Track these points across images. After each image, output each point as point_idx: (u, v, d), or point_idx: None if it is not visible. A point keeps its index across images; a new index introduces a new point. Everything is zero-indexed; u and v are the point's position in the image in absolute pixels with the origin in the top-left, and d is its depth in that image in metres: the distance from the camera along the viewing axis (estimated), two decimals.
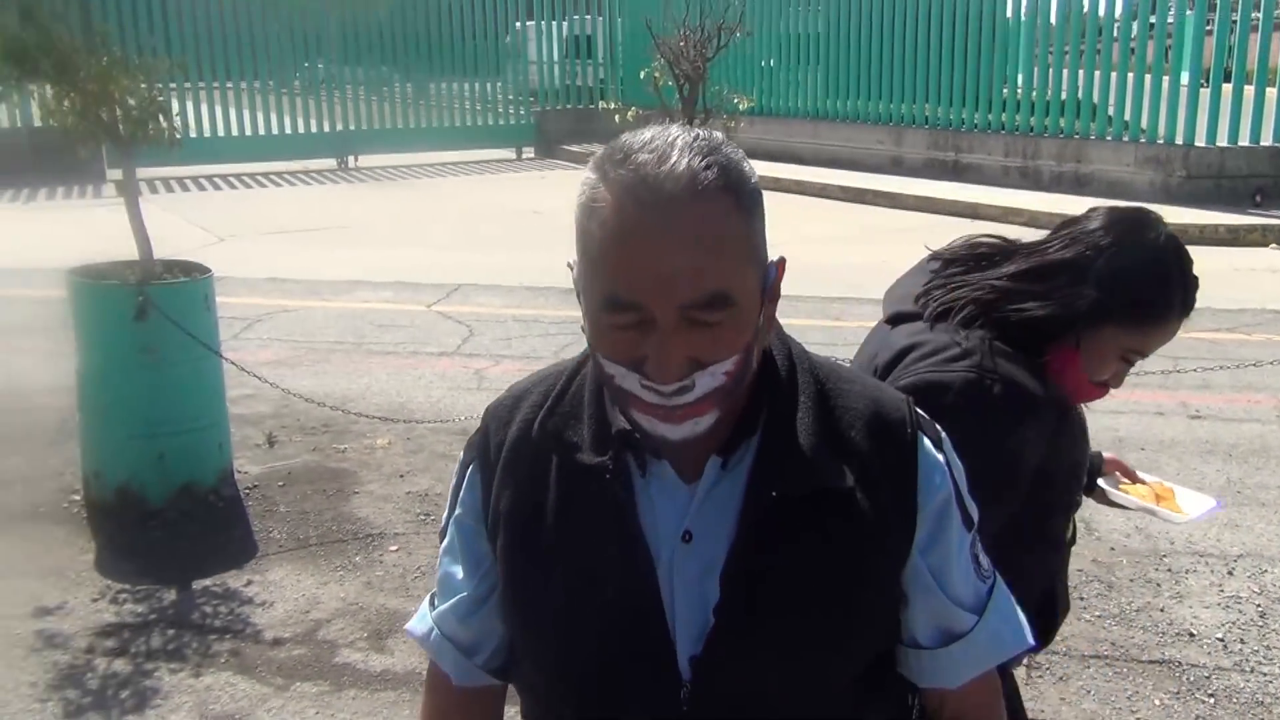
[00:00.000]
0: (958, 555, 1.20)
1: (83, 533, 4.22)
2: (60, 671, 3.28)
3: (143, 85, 4.10)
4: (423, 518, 4.34)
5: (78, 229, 10.82)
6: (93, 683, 3.23)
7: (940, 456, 1.19)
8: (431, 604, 1.31)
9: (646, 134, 1.05)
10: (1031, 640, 1.25)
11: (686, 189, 1.00)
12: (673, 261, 0.99)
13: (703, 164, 1.01)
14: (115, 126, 4.11)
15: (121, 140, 4.16)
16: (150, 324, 4.11)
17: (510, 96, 18.46)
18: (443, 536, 1.30)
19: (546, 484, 1.17)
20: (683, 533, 1.13)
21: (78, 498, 4.46)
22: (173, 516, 4.28)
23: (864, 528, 1.13)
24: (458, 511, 1.27)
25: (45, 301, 7.59)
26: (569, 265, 1.11)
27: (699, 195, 1.00)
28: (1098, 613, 3.63)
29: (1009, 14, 13.71)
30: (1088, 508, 4.39)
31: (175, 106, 4.30)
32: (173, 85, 4.36)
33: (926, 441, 1.19)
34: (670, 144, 1.02)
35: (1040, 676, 3.27)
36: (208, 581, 3.85)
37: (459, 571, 1.26)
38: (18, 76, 4.02)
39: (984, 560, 1.23)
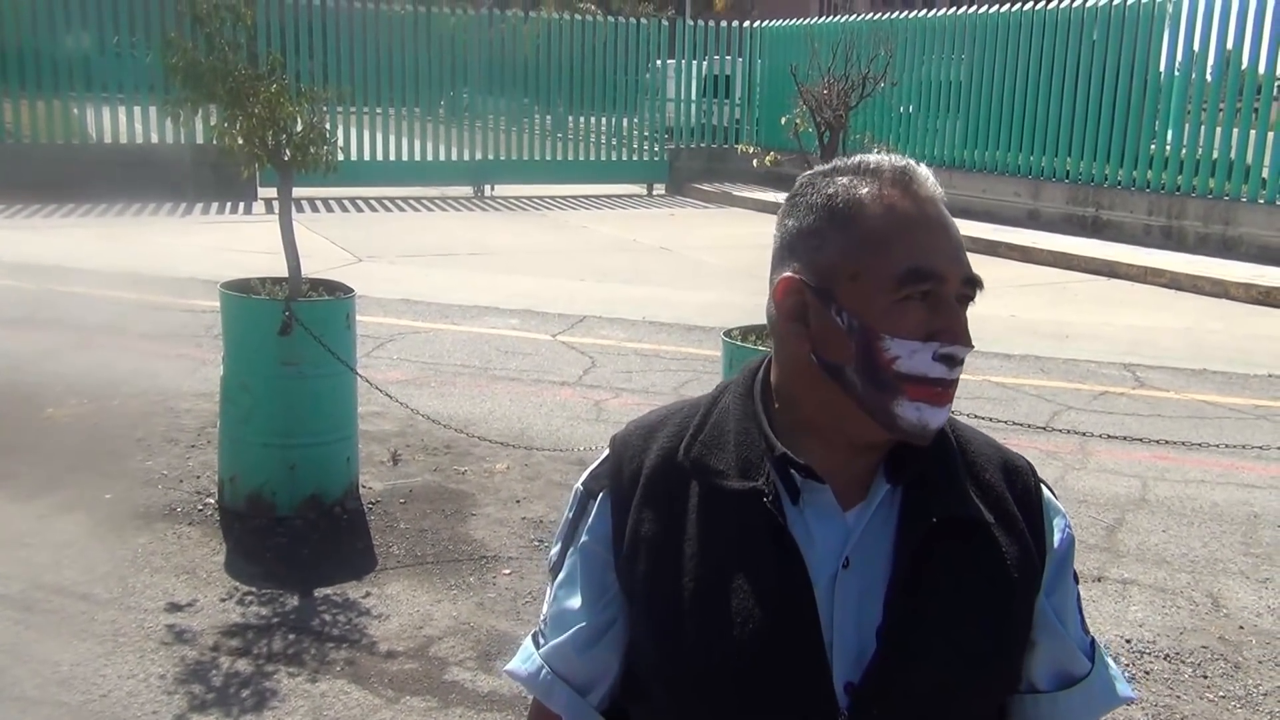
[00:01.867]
0: (1074, 602, 1.27)
1: (215, 534, 4.41)
2: (187, 666, 3.43)
3: (306, 111, 4.31)
4: (536, 543, 4.42)
5: (229, 243, 11.37)
6: (216, 680, 3.37)
7: (1059, 505, 1.28)
8: (536, 642, 1.28)
9: (870, 157, 1.21)
10: (1134, 694, 1.32)
11: (941, 192, 1.18)
12: (958, 237, 1.16)
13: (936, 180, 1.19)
14: (279, 150, 4.33)
15: (283, 164, 4.38)
16: (293, 338, 4.30)
17: (645, 133, 18.72)
18: (555, 570, 1.28)
19: (690, 511, 1.19)
20: (843, 559, 1.15)
21: (212, 500, 4.68)
22: (299, 525, 4.46)
23: (1005, 561, 1.19)
24: (583, 540, 1.25)
25: (196, 311, 8.00)
26: (792, 276, 1.17)
27: (944, 200, 1.18)
28: (1221, 693, 3.49)
29: (1162, 68, 13.33)
30: (1217, 580, 4.24)
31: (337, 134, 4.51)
32: (326, 110, 4.56)
33: (1047, 491, 1.28)
34: (911, 162, 1.20)
35: None
36: (328, 590, 3.99)
37: (577, 602, 1.24)
38: (194, 100, 4.27)
39: (1084, 616, 1.30)
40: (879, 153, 1.22)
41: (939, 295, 1.13)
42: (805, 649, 1.13)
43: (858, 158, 1.21)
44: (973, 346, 1.16)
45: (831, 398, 1.16)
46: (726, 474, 1.18)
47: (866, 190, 1.16)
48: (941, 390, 1.13)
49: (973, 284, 1.16)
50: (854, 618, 1.14)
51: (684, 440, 1.22)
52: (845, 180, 1.17)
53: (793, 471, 1.16)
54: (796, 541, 1.14)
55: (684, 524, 1.18)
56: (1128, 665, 3.63)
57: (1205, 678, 3.57)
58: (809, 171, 1.23)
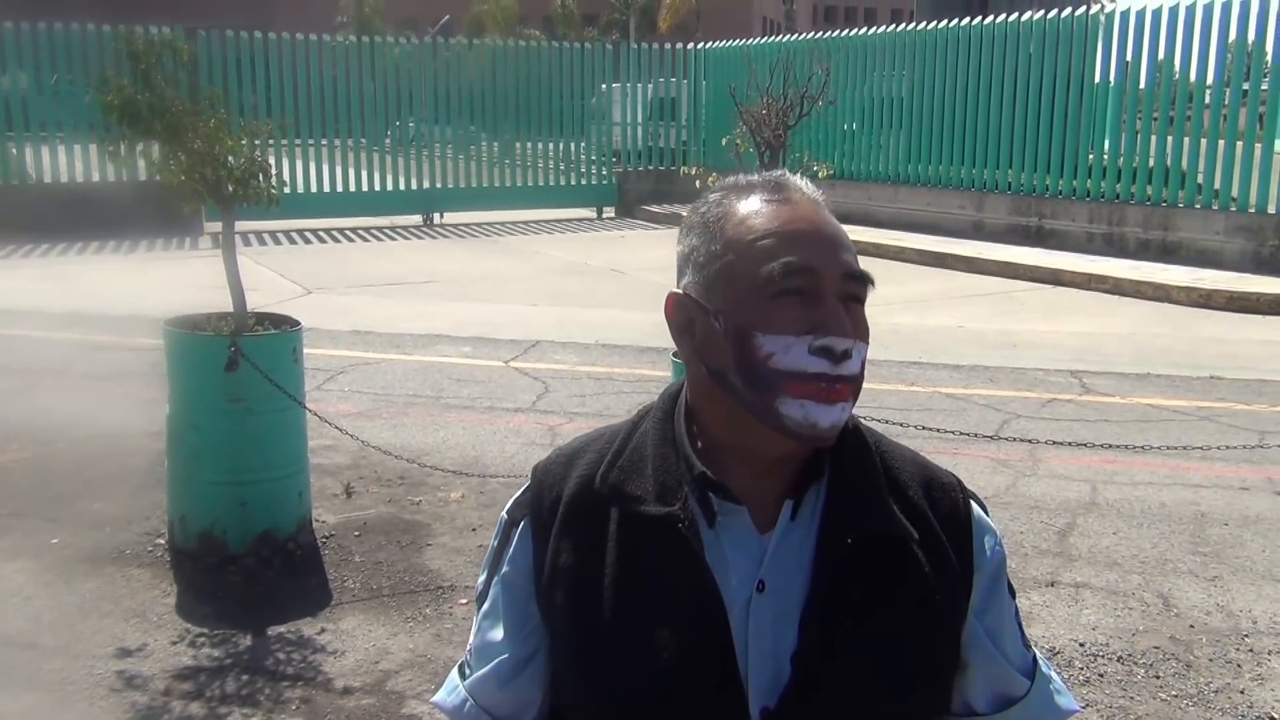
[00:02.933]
0: (1009, 620, 1.24)
1: (165, 576, 4.34)
2: (138, 712, 3.37)
3: (245, 145, 4.28)
4: None
5: (175, 279, 11.24)
6: None
7: (990, 523, 1.26)
8: (462, 673, 1.28)
9: (749, 175, 1.24)
10: (1078, 706, 1.30)
11: (819, 196, 1.20)
12: (836, 235, 1.16)
13: (816, 187, 1.21)
14: (220, 184, 4.30)
15: (224, 198, 4.34)
16: (240, 373, 4.25)
17: (593, 157, 18.78)
18: (481, 600, 1.28)
19: (608, 538, 1.18)
20: (757, 582, 1.14)
21: (162, 541, 4.60)
22: (251, 563, 4.39)
23: (929, 581, 1.16)
24: (504, 570, 1.25)
25: (141, 349, 7.89)
26: (677, 292, 1.20)
27: (825, 205, 1.20)
28: (1174, 692, 3.54)
29: (1098, 79, 13.62)
30: (1167, 580, 4.30)
31: (273, 165, 4.48)
32: (271, 143, 4.53)
33: (976, 508, 1.25)
34: (785, 173, 1.23)
35: None
36: (282, 628, 3.94)
37: (500, 633, 1.24)
38: (131, 136, 4.23)
39: (1024, 630, 1.28)
40: (816, 171, 1.24)
41: (816, 291, 1.12)
42: (720, 676, 1.12)
43: (735, 176, 1.23)
44: (859, 339, 1.13)
45: (728, 409, 1.16)
46: (644, 499, 1.17)
47: (738, 202, 1.18)
48: (826, 386, 1.10)
49: (858, 280, 1.15)
50: (770, 642, 1.13)
51: (602, 467, 1.21)
52: (718, 196, 1.21)
53: (710, 494, 1.16)
54: (711, 567, 1.14)
55: (602, 552, 1.18)
56: (1082, 669, 3.68)
57: (1158, 678, 3.62)
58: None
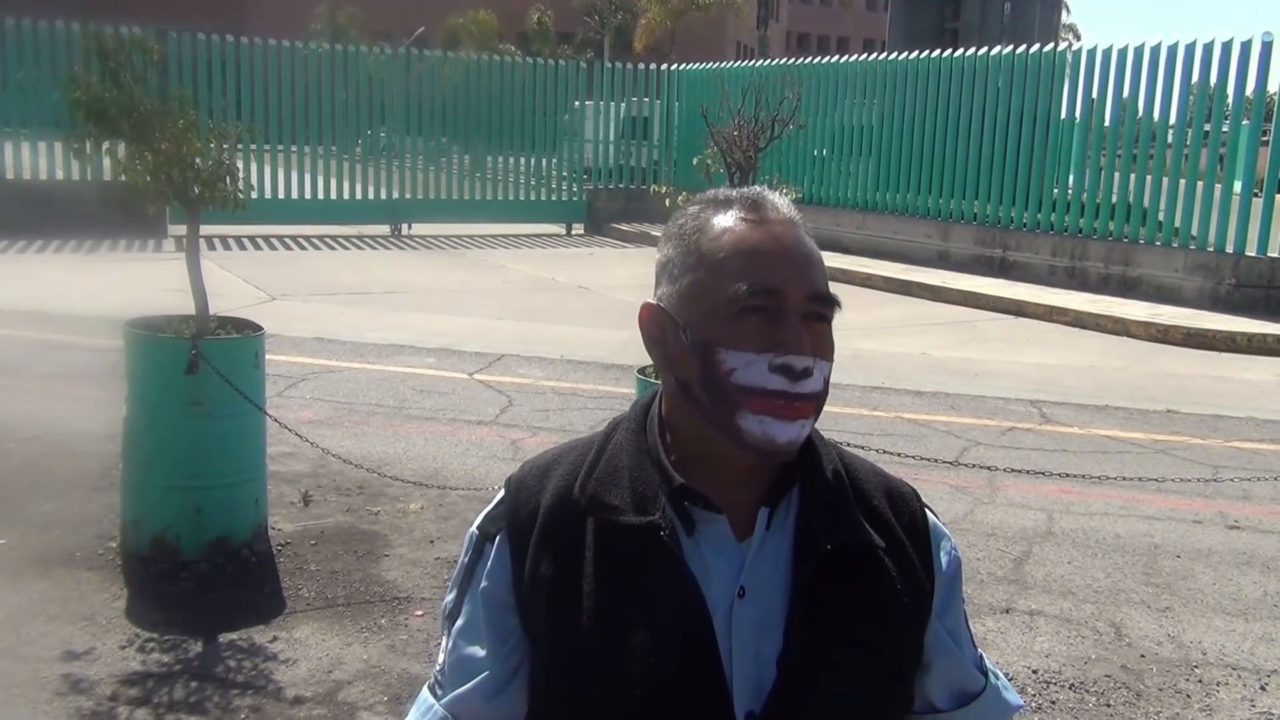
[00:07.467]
0: (963, 621, 1.31)
1: (116, 580, 4.28)
2: (83, 717, 3.31)
3: (213, 148, 4.25)
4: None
5: (137, 281, 11.11)
6: None
7: (944, 529, 1.32)
8: (434, 693, 1.25)
9: (729, 189, 1.24)
10: (1022, 702, 1.37)
11: (795, 216, 1.21)
12: (805, 255, 1.18)
13: (793, 206, 1.22)
14: (186, 186, 4.26)
15: (190, 200, 4.30)
16: (200, 377, 4.21)
17: (564, 173, 18.80)
18: (453, 617, 1.26)
19: (588, 549, 1.18)
20: (737, 589, 1.16)
21: (114, 545, 4.53)
22: (204, 569, 4.33)
23: (897, 586, 1.21)
24: (483, 585, 1.23)
25: (100, 350, 7.78)
26: (652, 302, 1.22)
27: (801, 224, 1.21)
28: None
29: (1063, 115, 13.82)
30: (1120, 609, 4.34)
31: (241, 169, 4.45)
32: (239, 147, 4.49)
33: (932, 516, 1.31)
34: (765, 190, 1.24)
35: None
36: (234, 635, 3.89)
37: (480, 649, 1.22)
38: (97, 135, 4.18)
39: (972, 633, 1.35)
40: (785, 194, 1.25)
41: (779, 310, 1.14)
42: (707, 681, 1.14)
43: (715, 191, 1.25)
44: (820, 358, 1.16)
45: (695, 420, 1.18)
46: (622, 510, 1.18)
47: (715, 217, 1.20)
48: (785, 404, 1.14)
49: (823, 301, 1.17)
50: (752, 647, 1.15)
51: (579, 478, 1.22)
52: (696, 209, 1.23)
53: (688, 504, 1.17)
54: (694, 574, 1.15)
55: (581, 562, 1.18)
56: (1035, 695, 3.70)
57: (1109, 706, 3.65)
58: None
